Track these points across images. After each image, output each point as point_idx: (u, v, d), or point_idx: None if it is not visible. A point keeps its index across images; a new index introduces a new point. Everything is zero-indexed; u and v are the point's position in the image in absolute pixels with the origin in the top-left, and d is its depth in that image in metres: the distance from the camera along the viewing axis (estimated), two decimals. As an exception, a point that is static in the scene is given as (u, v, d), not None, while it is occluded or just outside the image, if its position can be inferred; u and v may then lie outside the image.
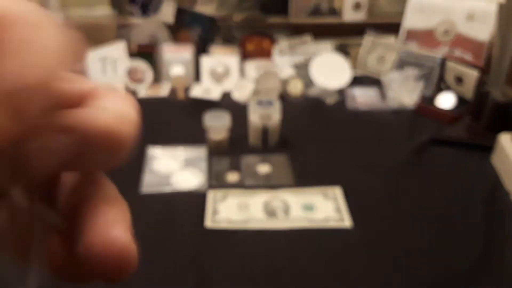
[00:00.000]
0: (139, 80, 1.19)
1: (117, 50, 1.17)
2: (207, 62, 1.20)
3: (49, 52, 0.11)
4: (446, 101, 1.06)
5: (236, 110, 1.00)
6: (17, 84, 0.11)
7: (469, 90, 1.03)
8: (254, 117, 0.90)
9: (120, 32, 1.30)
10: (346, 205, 0.75)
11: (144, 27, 1.31)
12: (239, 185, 0.81)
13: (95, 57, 1.15)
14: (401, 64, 1.20)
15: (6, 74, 0.11)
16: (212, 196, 0.78)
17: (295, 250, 0.67)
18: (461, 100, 1.05)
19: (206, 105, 1.06)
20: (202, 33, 1.30)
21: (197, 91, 1.15)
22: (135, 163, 0.86)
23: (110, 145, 0.13)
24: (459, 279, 0.61)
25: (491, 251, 0.65)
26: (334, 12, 1.40)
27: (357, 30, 1.31)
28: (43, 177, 0.14)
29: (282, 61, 1.23)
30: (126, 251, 0.13)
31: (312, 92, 1.16)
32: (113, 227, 0.13)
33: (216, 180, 0.82)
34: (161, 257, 0.65)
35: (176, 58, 1.22)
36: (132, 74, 1.19)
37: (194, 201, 0.77)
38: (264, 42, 1.28)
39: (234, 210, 0.74)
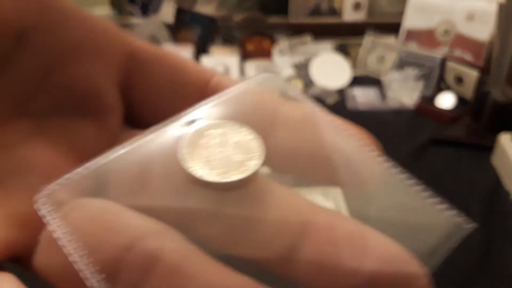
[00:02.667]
0: (139, 80, 1.19)
1: (117, 50, 1.17)
2: (207, 62, 1.20)
3: None
4: (446, 101, 1.06)
5: (236, 110, 1.00)
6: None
7: (469, 90, 1.03)
8: (254, 117, 0.90)
9: (120, 32, 1.30)
10: (346, 206, 0.75)
11: (144, 27, 1.31)
12: (239, 185, 0.81)
13: (95, 57, 1.14)
14: (401, 64, 1.20)
15: None
16: (212, 196, 0.78)
17: (295, 250, 0.67)
18: (461, 100, 1.05)
19: (206, 105, 1.06)
20: (202, 33, 1.30)
21: (197, 91, 1.14)
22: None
23: None
24: (459, 279, 0.61)
25: (491, 251, 0.65)
26: (334, 12, 1.40)
27: (357, 30, 1.31)
28: None
29: (282, 61, 1.23)
30: None
31: (312, 92, 1.16)
32: None
33: (216, 180, 0.82)
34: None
35: (176, 58, 1.22)
36: (132, 74, 1.18)
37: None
38: (264, 42, 1.28)
39: (234, 210, 0.74)
